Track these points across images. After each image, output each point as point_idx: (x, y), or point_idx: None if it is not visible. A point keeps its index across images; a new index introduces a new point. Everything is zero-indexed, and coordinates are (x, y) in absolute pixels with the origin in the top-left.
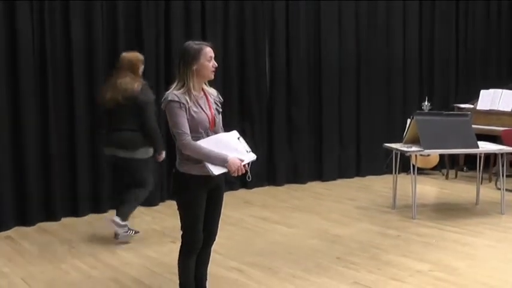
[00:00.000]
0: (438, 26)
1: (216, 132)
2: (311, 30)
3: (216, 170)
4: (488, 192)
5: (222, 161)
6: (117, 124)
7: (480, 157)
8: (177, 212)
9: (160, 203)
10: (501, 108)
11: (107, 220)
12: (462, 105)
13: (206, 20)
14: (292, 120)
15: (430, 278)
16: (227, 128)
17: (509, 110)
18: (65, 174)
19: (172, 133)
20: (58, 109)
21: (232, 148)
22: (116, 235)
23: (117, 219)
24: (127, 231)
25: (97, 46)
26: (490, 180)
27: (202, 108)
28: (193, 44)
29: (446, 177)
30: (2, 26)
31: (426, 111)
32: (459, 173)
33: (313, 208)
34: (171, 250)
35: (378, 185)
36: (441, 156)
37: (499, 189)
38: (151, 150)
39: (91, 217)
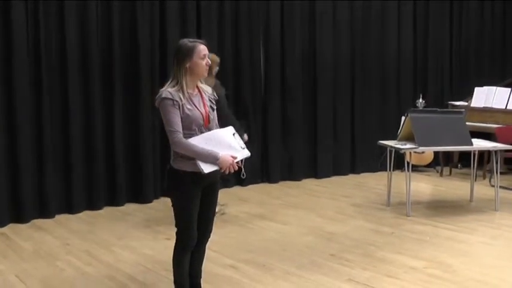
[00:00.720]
0: (432, 24)
1: (210, 130)
2: (306, 30)
3: (207, 168)
4: (483, 189)
5: (213, 159)
6: None
7: (474, 154)
8: (172, 209)
9: (155, 200)
10: (495, 106)
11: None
12: (456, 103)
13: (201, 19)
14: (286, 117)
15: (424, 275)
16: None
17: (503, 107)
18: (59, 171)
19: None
20: (52, 107)
21: (225, 144)
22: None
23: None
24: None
25: (92, 45)
26: (484, 177)
27: (196, 106)
28: (187, 42)
29: (441, 175)
30: None
31: (420, 108)
32: (453, 170)
33: (308, 205)
34: (166, 247)
35: (373, 182)
36: (435, 153)
37: (493, 186)
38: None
39: (85, 214)
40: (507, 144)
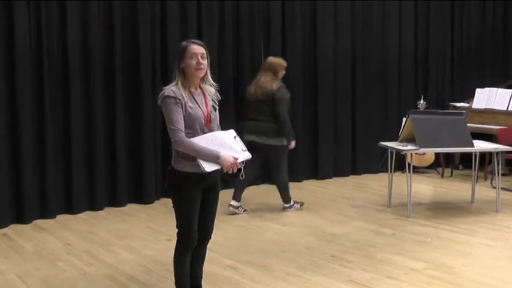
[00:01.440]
0: (433, 24)
1: (212, 130)
2: (306, 30)
3: (208, 167)
4: (484, 190)
5: (214, 158)
6: (256, 115)
7: (475, 156)
8: (173, 209)
9: (156, 201)
10: (496, 107)
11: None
12: (457, 104)
13: (202, 20)
14: None
15: (425, 277)
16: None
17: (504, 108)
18: (61, 171)
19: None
20: (54, 107)
21: (227, 146)
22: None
23: (285, 205)
24: (292, 205)
25: (93, 45)
26: (485, 178)
27: (198, 104)
28: (183, 43)
29: (442, 176)
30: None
31: (422, 110)
32: (454, 171)
33: (309, 206)
34: (167, 248)
35: (374, 184)
36: (436, 154)
37: (495, 187)
38: (284, 140)
39: (86, 214)
40: (508, 145)
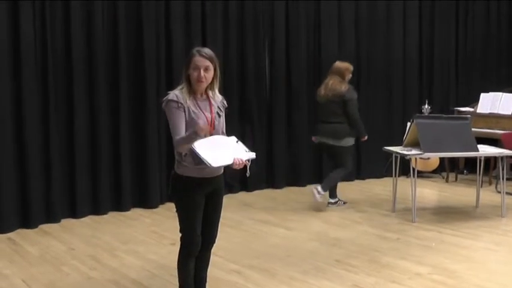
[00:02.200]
0: (438, 28)
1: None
2: (311, 32)
3: (214, 162)
4: (489, 195)
5: (193, 133)
6: (327, 117)
7: (480, 160)
8: (176, 214)
9: (160, 205)
10: (501, 112)
11: (312, 188)
12: (462, 109)
13: (206, 21)
14: (291, 122)
15: (429, 281)
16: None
17: (509, 113)
18: (65, 176)
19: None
20: (59, 111)
21: (229, 147)
22: (315, 197)
23: (319, 188)
24: (337, 201)
25: (97, 46)
26: (490, 183)
27: (202, 110)
28: (193, 50)
29: (446, 181)
30: (5, 26)
31: (426, 114)
32: (459, 176)
33: (313, 211)
34: (171, 252)
35: (378, 188)
36: (441, 159)
37: (499, 192)
38: (352, 140)
39: (90, 219)
40: None
